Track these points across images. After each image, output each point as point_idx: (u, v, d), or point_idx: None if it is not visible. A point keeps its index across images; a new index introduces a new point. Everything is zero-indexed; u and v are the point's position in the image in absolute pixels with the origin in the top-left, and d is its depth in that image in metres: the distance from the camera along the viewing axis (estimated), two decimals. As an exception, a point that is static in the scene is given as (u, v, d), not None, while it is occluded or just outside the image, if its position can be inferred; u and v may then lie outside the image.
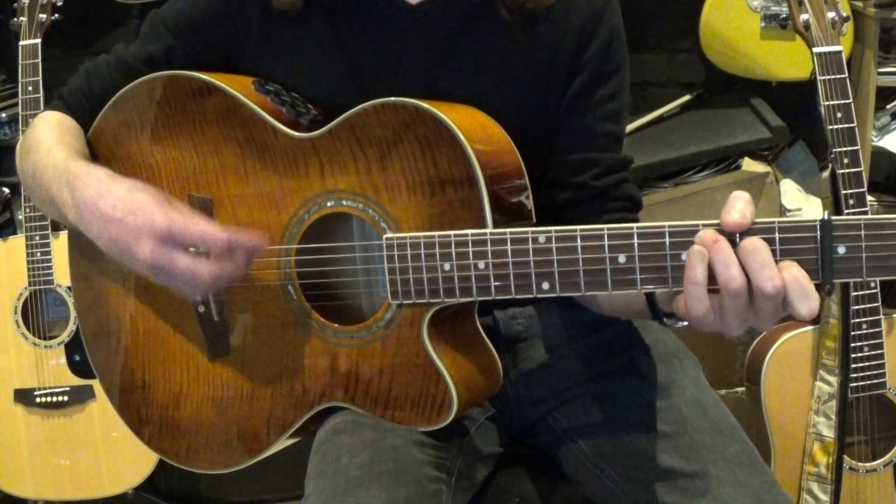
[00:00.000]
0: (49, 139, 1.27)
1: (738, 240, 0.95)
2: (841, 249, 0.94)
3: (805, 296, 0.93)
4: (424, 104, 1.12)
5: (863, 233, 0.93)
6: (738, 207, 0.94)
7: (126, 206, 1.11)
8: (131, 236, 1.10)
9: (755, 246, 0.93)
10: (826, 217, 0.94)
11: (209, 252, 1.10)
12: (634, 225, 1.00)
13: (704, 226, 0.97)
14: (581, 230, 1.02)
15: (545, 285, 1.05)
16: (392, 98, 1.13)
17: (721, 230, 0.95)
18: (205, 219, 1.13)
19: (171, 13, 1.32)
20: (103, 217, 1.13)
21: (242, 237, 1.12)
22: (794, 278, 0.93)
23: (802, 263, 0.94)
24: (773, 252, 0.94)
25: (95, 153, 1.33)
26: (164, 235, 1.09)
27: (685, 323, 1.06)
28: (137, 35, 1.36)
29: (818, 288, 0.95)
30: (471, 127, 1.13)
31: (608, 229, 1.01)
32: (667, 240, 0.99)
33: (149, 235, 1.09)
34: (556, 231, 1.03)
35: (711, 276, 0.96)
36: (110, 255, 1.15)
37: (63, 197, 1.19)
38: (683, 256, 0.98)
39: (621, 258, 1.01)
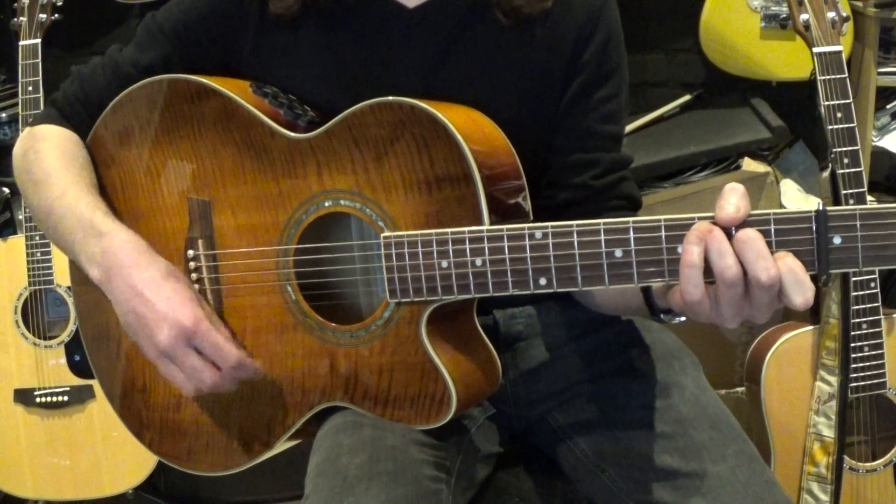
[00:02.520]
0: (60, 176, 1.27)
1: (733, 231, 0.95)
2: (836, 240, 0.94)
3: (800, 285, 0.94)
4: (421, 103, 1.12)
5: (858, 223, 0.93)
6: (733, 202, 0.95)
7: (159, 292, 1.17)
8: (155, 320, 1.16)
9: (750, 237, 0.94)
10: (821, 208, 0.94)
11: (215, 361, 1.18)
12: (630, 219, 1.00)
13: (700, 219, 0.97)
14: (577, 225, 1.02)
15: (542, 281, 1.05)
16: (389, 97, 1.13)
17: (716, 223, 0.95)
18: (223, 331, 1.20)
19: (169, 19, 1.31)
20: (133, 290, 1.18)
21: (248, 362, 1.20)
22: (789, 268, 0.93)
23: (798, 254, 0.95)
24: (769, 244, 0.95)
25: (95, 159, 1.33)
26: (188, 333, 1.16)
27: (682, 318, 1.07)
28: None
29: (814, 279, 0.95)
30: (468, 126, 1.13)
31: (604, 224, 1.01)
32: (663, 233, 0.99)
33: (173, 326, 1.16)
34: (552, 227, 1.04)
35: (707, 268, 0.96)
36: (122, 322, 1.21)
37: (88, 250, 1.22)
38: (680, 250, 0.98)
39: (618, 252, 1.01)
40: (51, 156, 1.29)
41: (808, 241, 0.95)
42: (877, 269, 1.38)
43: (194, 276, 1.27)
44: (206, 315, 1.19)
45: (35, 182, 1.29)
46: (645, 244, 1.00)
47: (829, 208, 0.94)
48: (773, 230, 0.95)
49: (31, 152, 1.31)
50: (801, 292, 0.94)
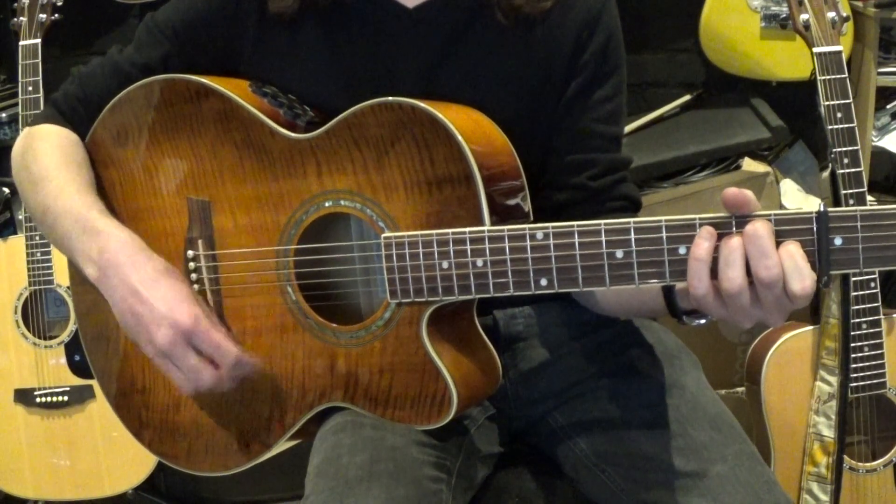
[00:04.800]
0: (57, 174, 1.27)
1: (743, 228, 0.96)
2: (837, 241, 0.94)
3: (798, 272, 0.94)
4: (421, 103, 1.12)
5: (859, 224, 0.93)
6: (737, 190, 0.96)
7: (158, 290, 1.17)
8: (153, 320, 1.15)
9: (758, 233, 0.94)
10: (822, 209, 0.94)
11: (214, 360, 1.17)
12: (631, 220, 1.01)
13: (701, 220, 0.97)
14: (578, 226, 1.03)
15: (543, 282, 1.05)
16: (389, 98, 1.14)
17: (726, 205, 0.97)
18: (222, 330, 1.19)
19: (168, 19, 1.31)
20: (130, 289, 1.17)
21: (247, 359, 1.19)
22: (790, 255, 0.94)
23: None
24: None
25: (94, 159, 1.33)
26: (186, 332, 1.15)
27: (703, 321, 1.07)
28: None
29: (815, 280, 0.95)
30: (468, 126, 1.13)
31: (605, 224, 1.01)
32: (664, 234, 0.99)
33: (170, 326, 1.15)
34: (553, 227, 1.04)
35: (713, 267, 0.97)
36: (120, 322, 1.20)
37: (84, 249, 1.22)
38: (681, 251, 0.99)
39: (619, 253, 1.01)
40: (49, 155, 1.29)
41: (809, 242, 0.95)
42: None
43: (194, 276, 1.27)
44: (205, 313, 1.18)
45: (33, 181, 1.29)
46: (646, 245, 1.00)
47: (830, 209, 0.94)
48: (773, 231, 0.95)
49: (30, 151, 1.31)
50: (800, 280, 0.94)
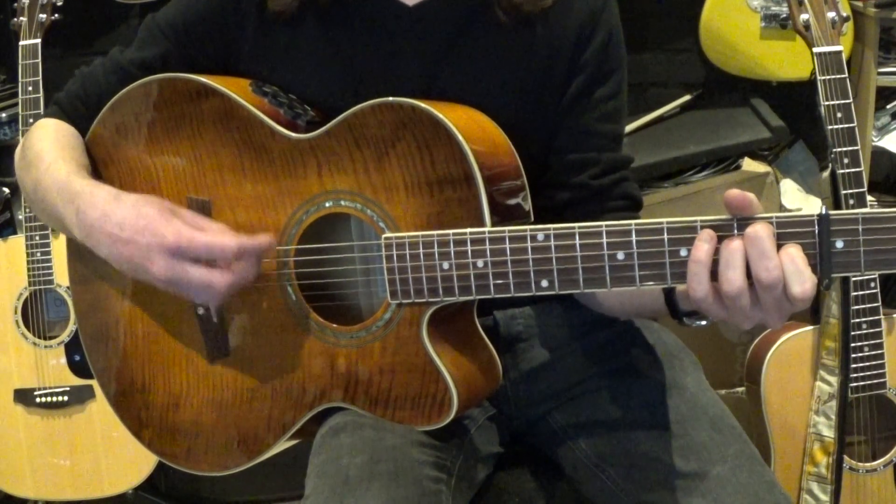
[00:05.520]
0: (49, 153, 1.27)
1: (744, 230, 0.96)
2: (839, 244, 0.94)
3: (798, 275, 0.94)
4: (422, 104, 1.12)
5: (860, 227, 0.93)
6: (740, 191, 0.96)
7: (133, 225, 1.14)
8: (143, 255, 1.13)
9: (758, 235, 0.94)
10: (824, 212, 0.94)
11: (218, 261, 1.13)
12: (633, 222, 1.01)
13: (702, 222, 0.97)
14: (579, 227, 1.03)
15: (544, 283, 1.05)
16: (390, 98, 1.13)
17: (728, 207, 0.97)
18: (211, 227, 1.15)
19: (168, 17, 1.32)
20: (111, 238, 1.15)
21: (250, 242, 1.14)
22: (791, 258, 0.94)
23: None
24: None
25: (94, 157, 1.33)
26: (174, 250, 1.11)
27: (705, 322, 1.07)
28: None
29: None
30: (468, 126, 1.13)
31: (606, 226, 1.01)
32: (665, 236, 0.99)
33: (159, 252, 1.11)
34: (554, 229, 1.04)
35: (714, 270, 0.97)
36: (125, 273, 1.18)
37: (68, 215, 1.21)
38: (682, 252, 0.99)
39: (620, 255, 1.01)
40: (43, 140, 1.30)
41: (811, 244, 0.95)
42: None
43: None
44: (186, 220, 1.15)
45: (28, 164, 1.29)
46: (647, 247, 1.00)
47: (831, 212, 0.94)
48: (775, 233, 0.95)
49: (27, 141, 1.32)
50: (800, 282, 0.94)
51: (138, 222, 1.14)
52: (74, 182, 1.21)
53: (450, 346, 1.16)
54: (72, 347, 2.27)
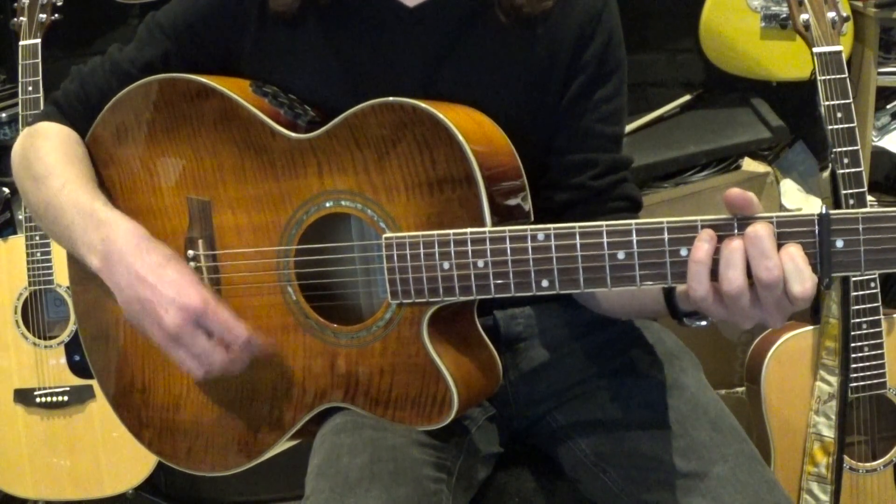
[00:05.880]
0: (61, 171, 1.27)
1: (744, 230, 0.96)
2: (839, 243, 0.94)
3: (798, 274, 0.94)
4: (422, 104, 1.12)
5: (860, 226, 0.93)
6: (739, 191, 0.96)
7: (162, 276, 1.16)
8: (162, 304, 1.15)
9: (758, 235, 0.94)
10: (824, 211, 0.94)
11: (225, 341, 1.16)
12: (633, 221, 1.01)
13: (703, 222, 0.97)
14: (580, 227, 1.03)
15: (545, 283, 1.05)
16: (390, 98, 1.13)
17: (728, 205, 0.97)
18: (229, 310, 1.17)
19: (169, 17, 1.31)
20: (136, 276, 1.17)
21: (256, 340, 1.18)
22: (791, 257, 0.94)
23: None
24: None
25: (94, 158, 1.33)
26: (195, 314, 1.14)
27: (705, 323, 1.07)
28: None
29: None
30: (469, 127, 1.13)
31: (607, 226, 1.01)
32: (665, 236, 0.99)
33: (179, 308, 1.14)
34: (554, 228, 1.04)
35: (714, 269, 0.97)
36: (126, 311, 1.19)
37: (89, 241, 1.21)
38: (682, 252, 0.99)
39: (620, 255, 1.01)
40: (51, 152, 1.29)
41: (811, 244, 0.95)
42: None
43: (194, 276, 1.27)
44: (213, 296, 1.17)
45: (35, 178, 1.29)
46: (647, 246, 1.00)
47: (831, 212, 0.94)
48: (775, 232, 0.95)
49: (31, 150, 1.31)
50: (800, 281, 0.94)
51: (172, 276, 1.16)
52: (99, 210, 1.23)
53: (450, 346, 1.16)
54: (72, 347, 2.27)
